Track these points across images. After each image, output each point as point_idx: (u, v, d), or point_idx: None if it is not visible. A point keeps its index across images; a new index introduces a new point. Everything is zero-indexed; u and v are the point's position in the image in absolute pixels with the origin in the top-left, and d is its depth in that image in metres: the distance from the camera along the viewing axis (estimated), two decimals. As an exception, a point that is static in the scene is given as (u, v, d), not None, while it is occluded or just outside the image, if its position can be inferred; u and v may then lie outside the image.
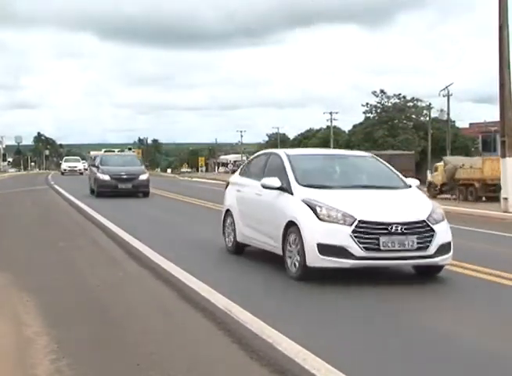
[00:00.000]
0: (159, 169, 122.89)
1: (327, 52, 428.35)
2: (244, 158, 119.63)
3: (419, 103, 70.70)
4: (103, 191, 23.43)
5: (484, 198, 27.87)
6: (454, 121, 69.28)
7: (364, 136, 69.63)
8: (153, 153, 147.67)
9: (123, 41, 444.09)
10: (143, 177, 24.23)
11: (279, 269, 8.26)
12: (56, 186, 31.73)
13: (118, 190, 23.46)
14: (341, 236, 7.40)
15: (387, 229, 7.40)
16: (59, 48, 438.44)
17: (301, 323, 5.95)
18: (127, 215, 16.79)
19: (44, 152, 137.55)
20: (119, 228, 12.69)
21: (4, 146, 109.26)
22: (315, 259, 7.51)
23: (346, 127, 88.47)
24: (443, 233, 7.75)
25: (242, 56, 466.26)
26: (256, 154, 10.82)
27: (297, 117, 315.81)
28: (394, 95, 71.51)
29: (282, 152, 9.35)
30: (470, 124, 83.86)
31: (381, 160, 9.59)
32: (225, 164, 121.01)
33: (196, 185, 42.13)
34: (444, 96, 57.45)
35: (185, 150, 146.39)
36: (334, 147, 74.20)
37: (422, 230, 7.56)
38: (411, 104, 71.28)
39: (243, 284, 7.89)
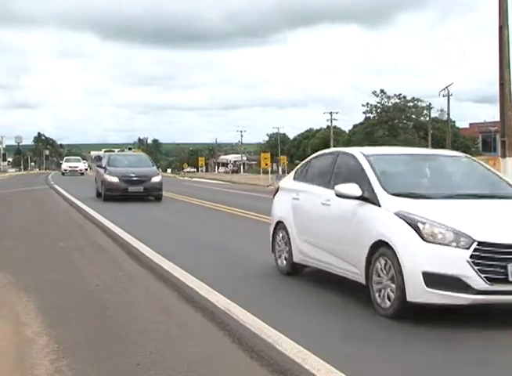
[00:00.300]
0: (160, 169, 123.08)
1: (328, 52, 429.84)
2: (244, 158, 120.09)
3: (419, 103, 70.74)
4: (111, 194, 21.35)
5: None
6: (454, 121, 69.41)
7: (364, 136, 69.65)
8: (153, 153, 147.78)
9: (124, 40, 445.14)
10: (156, 179, 21.99)
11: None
12: (56, 186, 31.73)
13: (128, 193, 21.39)
14: (456, 262, 5.68)
15: None
16: (60, 48, 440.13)
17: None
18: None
19: (44, 152, 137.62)
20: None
21: (4, 146, 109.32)
22: (419, 293, 5.76)
23: (346, 127, 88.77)
24: None
25: (243, 56, 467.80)
26: (317, 154, 8.80)
27: (298, 117, 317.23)
28: (395, 95, 71.61)
29: (356, 151, 7.56)
30: (470, 124, 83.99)
31: (479, 160, 7.99)
32: (225, 164, 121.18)
33: (198, 185, 42.18)
34: (444, 96, 57.64)
35: (185, 150, 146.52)
36: (335, 147, 74.26)
37: None
38: (411, 104, 71.28)
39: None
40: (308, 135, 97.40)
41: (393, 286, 6.01)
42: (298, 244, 7.97)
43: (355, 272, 6.66)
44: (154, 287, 7.57)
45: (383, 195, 6.54)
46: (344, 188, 6.89)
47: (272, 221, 8.82)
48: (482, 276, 5.64)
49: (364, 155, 7.31)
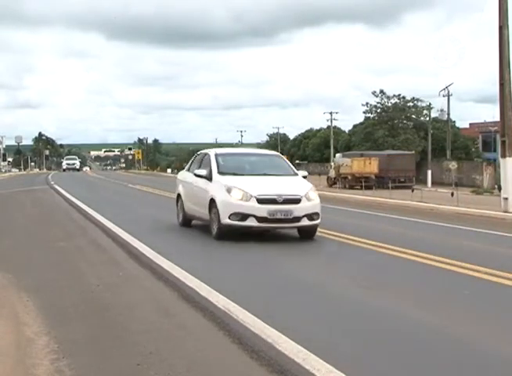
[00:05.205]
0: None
1: (332, 52, 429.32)
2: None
3: (419, 103, 70.60)
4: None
5: (358, 187, 40.72)
6: (454, 121, 69.29)
7: (364, 136, 69.55)
8: (153, 153, 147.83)
9: (129, 41, 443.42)
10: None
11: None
12: (57, 187, 31.69)
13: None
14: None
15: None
16: (66, 47, 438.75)
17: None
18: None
19: (44, 152, 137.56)
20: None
21: (4, 146, 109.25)
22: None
23: (347, 127, 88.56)
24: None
25: (247, 56, 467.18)
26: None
27: (299, 116, 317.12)
28: (394, 95, 71.42)
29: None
30: (471, 124, 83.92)
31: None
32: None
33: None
34: (444, 96, 57.48)
35: (186, 150, 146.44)
36: (335, 147, 74.23)
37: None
38: (411, 104, 71.16)
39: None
40: (309, 135, 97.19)
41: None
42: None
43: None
44: (154, 287, 7.57)
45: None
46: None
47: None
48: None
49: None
